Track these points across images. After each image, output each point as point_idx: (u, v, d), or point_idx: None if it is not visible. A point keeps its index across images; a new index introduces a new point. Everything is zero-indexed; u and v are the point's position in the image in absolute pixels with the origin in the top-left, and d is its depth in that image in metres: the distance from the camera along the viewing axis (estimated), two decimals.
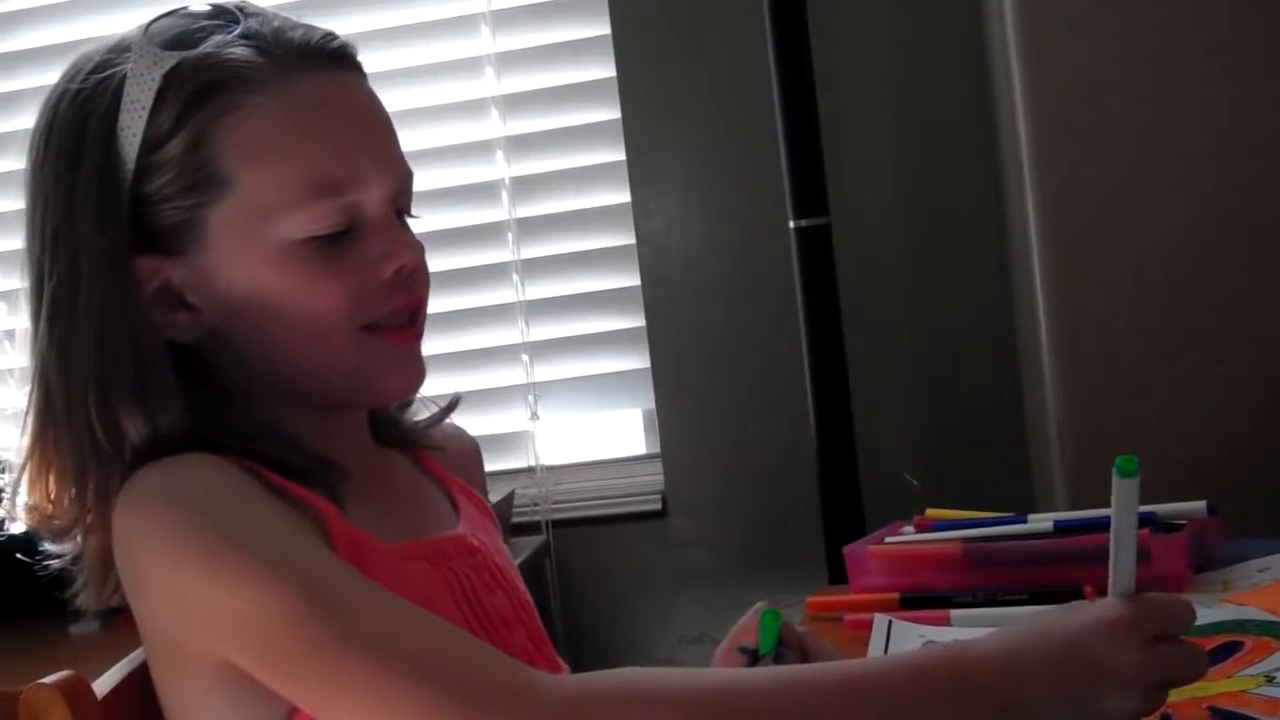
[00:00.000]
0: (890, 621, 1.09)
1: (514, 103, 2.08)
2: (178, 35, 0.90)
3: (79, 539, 0.91)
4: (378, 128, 0.94)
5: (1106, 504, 1.24)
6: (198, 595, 0.81)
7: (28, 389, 0.91)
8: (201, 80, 0.88)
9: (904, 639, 1.07)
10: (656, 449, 2.08)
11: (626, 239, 2.06)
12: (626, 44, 2.02)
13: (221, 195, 0.89)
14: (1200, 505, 1.19)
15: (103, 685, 0.88)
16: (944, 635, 1.06)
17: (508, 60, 2.08)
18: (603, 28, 2.03)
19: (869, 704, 0.75)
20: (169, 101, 0.88)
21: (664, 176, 2.04)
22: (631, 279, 2.07)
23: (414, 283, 0.93)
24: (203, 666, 0.83)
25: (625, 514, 2.08)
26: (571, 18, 2.07)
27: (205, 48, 0.89)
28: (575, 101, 2.07)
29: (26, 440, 0.90)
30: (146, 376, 0.88)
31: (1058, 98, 1.47)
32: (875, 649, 1.06)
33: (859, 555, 1.25)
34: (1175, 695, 0.82)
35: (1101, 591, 1.08)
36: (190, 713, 0.87)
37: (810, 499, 1.87)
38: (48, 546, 0.93)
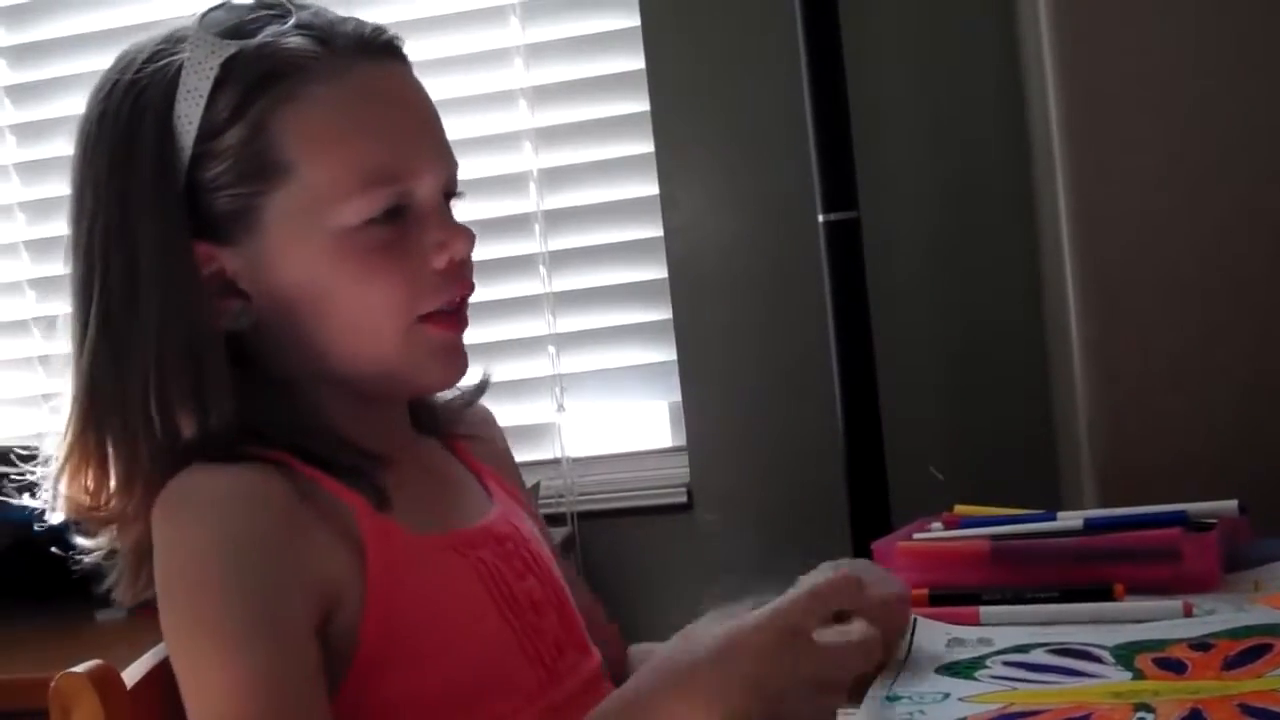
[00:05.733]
0: (915, 619, 1.09)
1: (543, 94, 2.08)
2: (234, 25, 0.91)
3: (115, 533, 0.92)
4: (430, 118, 0.95)
5: (1135, 502, 1.24)
6: (182, 654, 0.84)
7: (71, 381, 0.91)
8: (261, 69, 0.89)
9: (931, 636, 1.06)
10: (683, 442, 2.08)
11: (654, 231, 2.06)
12: (656, 36, 2.02)
13: (279, 184, 0.89)
14: (1232, 504, 1.18)
15: (132, 675, 0.89)
16: (970, 634, 1.05)
17: (537, 51, 2.08)
18: (632, 19, 2.03)
19: None
20: (227, 90, 0.88)
21: (692, 169, 2.03)
22: (659, 271, 2.06)
23: (465, 271, 0.94)
24: None
25: (651, 506, 2.08)
26: (601, 9, 2.06)
27: (263, 37, 0.90)
28: (604, 93, 2.07)
29: (70, 433, 0.90)
30: (205, 371, 0.88)
31: (1090, 88, 1.46)
32: (899, 646, 1.05)
33: (887, 551, 1.24)
34: (1205, 693, 0.82)
35: (1132, 590, 1.09)
36: None
37: (837, 493, 1.87)
38: (81, 540, 0.93)
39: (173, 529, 0.85)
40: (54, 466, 0.92)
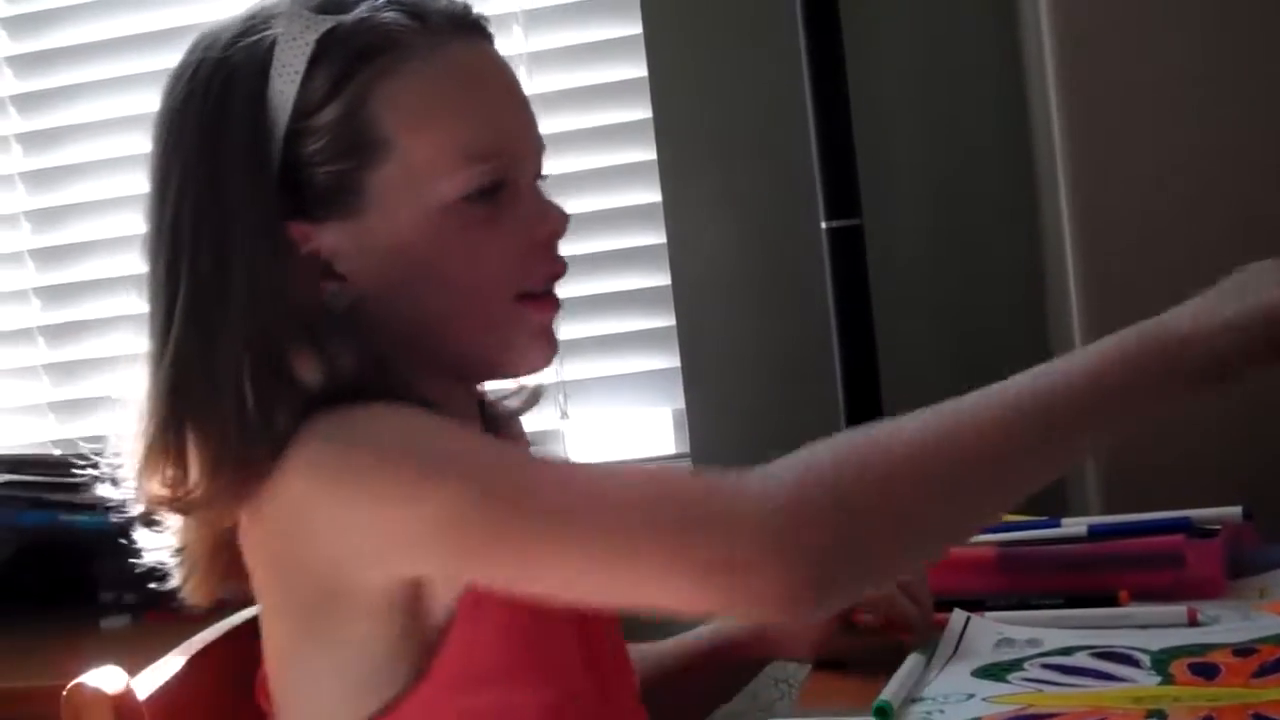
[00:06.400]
0: (969, 618, 1.09)
1: (546, 102, 2.08)
2: (327, 0, 0.90)
3: (193, 524, 0.90)
4: (522, 97, 0.97)
5: (1139, 508, 1.24)
6: (376, 521, 0.81)
7: (148, 374, 0.88)
8: (358, 44, 0.88)
9: (981, 637, 1.06)
10: (686, 448, 2.08)
11: (657, 238, 2.06)
12: (658, 43, 2.02)
13: (379, 160, 0.88)
14: (1236, 510, 1.19)
15: (144, 685, 0.89)
16: (1021, 634, 1.05)
17: (539, 59, 2.08)
18: (634, 27, 2.03)
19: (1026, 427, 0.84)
20: (324, 66, 0.87)
21: (695, 176, 2.03)
22: (662, 278, 2.06)
23: (558, 249, 0.95)
24: (362, 608, 0.83)
25: None
26: (603, 17, 2.07)
27: (359, 12, 0.89)
28: (607, 101, 2.07)
29: (153, 424, 0.87)
30: (299, 353, 0.85)
31: (1092, 96, 1.46)
32: (947, 645, 1.05)
33: None
34: (1225, 700, 0.82)
35: (1137, 596, 1.09)
36: (323, 675, 0.86)
37: None
38: (141, 539, 0.91)
39: (313, 457, 0.83)
40: (133, 459, 0.89)
